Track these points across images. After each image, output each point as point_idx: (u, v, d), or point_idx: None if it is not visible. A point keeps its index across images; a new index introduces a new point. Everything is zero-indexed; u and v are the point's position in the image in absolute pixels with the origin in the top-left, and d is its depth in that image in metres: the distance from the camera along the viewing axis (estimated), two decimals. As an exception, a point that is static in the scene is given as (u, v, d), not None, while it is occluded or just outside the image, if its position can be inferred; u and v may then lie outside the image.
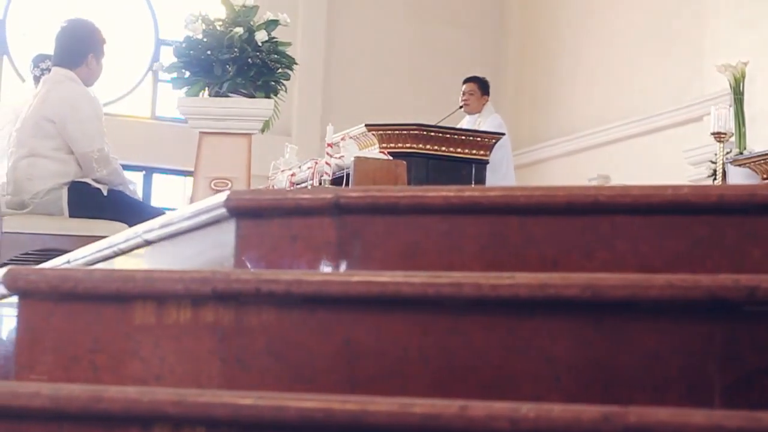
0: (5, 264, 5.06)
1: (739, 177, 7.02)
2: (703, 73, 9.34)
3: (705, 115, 8.82)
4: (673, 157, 9.38)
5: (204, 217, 2.17)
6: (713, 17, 9.33)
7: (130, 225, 4.78)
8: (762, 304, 1.65)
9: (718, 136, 6.80)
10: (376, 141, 6.73)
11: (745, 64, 7.72)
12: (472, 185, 6.87)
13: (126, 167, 5.21)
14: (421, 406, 1.46)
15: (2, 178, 5.20)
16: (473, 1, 12.43)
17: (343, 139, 5.96)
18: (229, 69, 4.91)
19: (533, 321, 1.73)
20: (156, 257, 2.43)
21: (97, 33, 5.24)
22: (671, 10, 10.18)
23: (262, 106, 5.01)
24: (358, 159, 5.22)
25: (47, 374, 1.88)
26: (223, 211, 2.10)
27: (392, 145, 6.68)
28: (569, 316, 1.72)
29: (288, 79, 5.15)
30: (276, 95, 5.06)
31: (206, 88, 5.08)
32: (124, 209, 5.02)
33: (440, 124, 7.27)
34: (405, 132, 6.83)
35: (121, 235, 2.54)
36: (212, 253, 2.20)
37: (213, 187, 4.87)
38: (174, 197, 11.45)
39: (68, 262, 2.82)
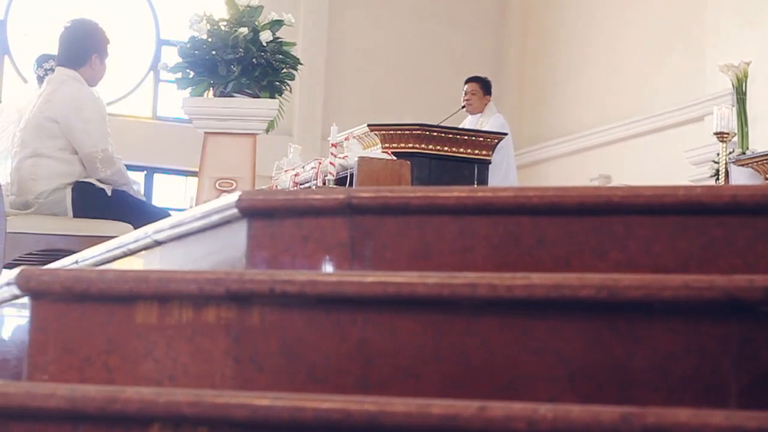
0: (9, 264, 5.06)
1: (741, 177, 7.02)
2: (705, 73, 9.34)
3: (706, 115, 8.83)
4: (674, 157, 9.38)
5: (215, 218, 2.17)
6: (715, 17, 9.33)
7: (135, 225, 4.78)
8: (777, 304, 1.65)
9: (721, 136, 6.79)
10: (378, 141, 6.73)
11: (748, 64, 7.72)
12: (475, 185, 6.87)
13: (127, 167, 5.20)
14: (439, 406, 1.46)
15: (6, 179, 5.19)
16: (475, 1, 12.43)
17: (346, 138, 5.96)
18: (234, 69, 4.91)
19: (548, 321, 1.73)
20: (166, 258, 2.42)
21: (101, 33, 5.23)
22: (673, 10, 10.18)
23: (266, 106, 5.01)
24: (362, 159, 5.21)
25: (60, 375, 1.88)
26: (234, 211, 2.10)
27: (394, 145, 6.68)
28: (584, 317, 1.72)
29: (293, 79, 5.15)
30: (281, 95, 5.06)
31: (211, 89, 5.08)
32: (128, 209, 5.01)
33: (442, 124, 7.27)
34: (407, 132, 6.83)
35: (131, 235, 2.53)
36: (223, 254, 2.20)
37: (218, 187, 4.87)
38: (175, 197, 11.44)
39: (77, 262, 2.82)
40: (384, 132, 6.76)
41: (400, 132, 6.81)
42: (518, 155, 9.76)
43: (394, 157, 5.56)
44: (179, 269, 2.16)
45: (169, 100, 11.59)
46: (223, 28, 5.02)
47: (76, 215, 5.01)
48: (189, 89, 5.12)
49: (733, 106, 7.46)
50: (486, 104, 8.23)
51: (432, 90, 11.65)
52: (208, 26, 4.96)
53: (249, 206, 2.09)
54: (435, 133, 6.90)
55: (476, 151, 7.02)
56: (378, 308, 1.79)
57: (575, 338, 1.72)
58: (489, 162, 7.05)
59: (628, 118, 10.45)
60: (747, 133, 7.55)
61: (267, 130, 5.18)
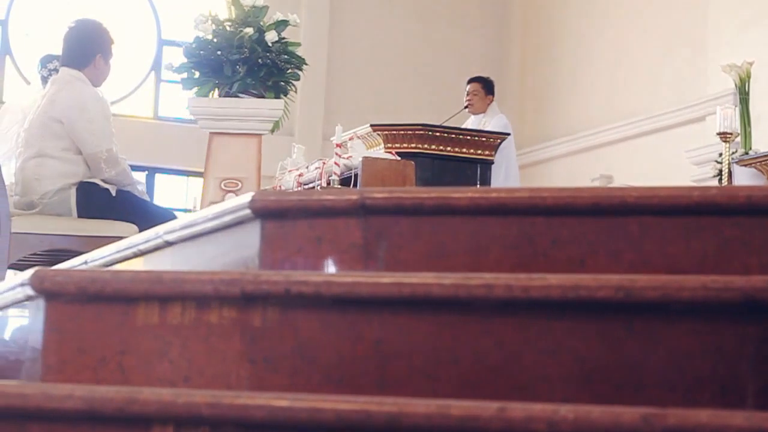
0: (13, 265, 5.06)
1: (744, 177, 7.03)
2: (707, 73, 9.35)
3: (708, 115, 8.84)
4: (676, 157, 9.39)
5: (228, 218, 2.17)
6: (716, 17, 9.34)
7: (139, 225, 4.78)
8: (795, 305, 1.65)
9: (724, 136, 6.80)
10: (381, 141, 6.74)
11: (751, 64, 7.73)
12: (477, 185, 6.88)
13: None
14: (459, 407, 1.46)
15: (10, 179, 5.19)
16: (477, 1, 12.43)
17: (351, 139, 5.96)
18: (239, 69, 4.91)
19: (564, 322, 1.73)
20: (177, 259, 2.42)
21: (106, 33, 5.23)
22: (674, 11, 10.19)
23: (272, 106, 5.01)
24: (366, 159, 5.22)
25: (75, 376, 1.87)
26: (247, 212, 2.10)
27: (397, 145, 6.69)
28: (601, 318, 1.72)
29: (298, 80, 5.16)
30: (286, 96, 5.06)
31: (216, 89, 5.08)
32: (133, 210, 5.01)
33: (445, 125, 7.27)
34: (410, 132, 6.84)
35: (141, 236, 2.53)
36: (235, 255, 2.20)
37: (223, 187, 4.87)
38: (177, 197, 11.44)
39: (86, 263, 2.81)
40: (387, 132, 6.77)
41: (402, 132, 6.81)
42: (520, 155, 9.76)
43: (399, 158, 5.57)
44: (192, 270, 2.16)
45: (171, 100, 11.59)
46: (228, 28, 5.02)
47: (80, 215, 5.00)
48: (194, 89, 5.12)
49: (735, 106, 7.46)
50: (488, 104, 8.22)
51: (433, 90, 11.66)
52: (214, 26, 4.96)
53: (262, 207, 2.08)
54: (437, 133, 6.91)
55: (479, 151, 7.03)
56: (394, 309, 1.79)
57: (591, 339, 1.72)
58: (492, 162, 7.06)
59: (629, 118, 10.46)
60: (750, 133, 7.55)
61: (272, 131, 5.18)
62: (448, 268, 1.98)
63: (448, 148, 6.94)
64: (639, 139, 10.40)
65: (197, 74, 5.06)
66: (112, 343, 1.89)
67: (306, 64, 5.20)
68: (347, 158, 5.32)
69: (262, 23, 4.99)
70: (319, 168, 5.53)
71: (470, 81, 8.37)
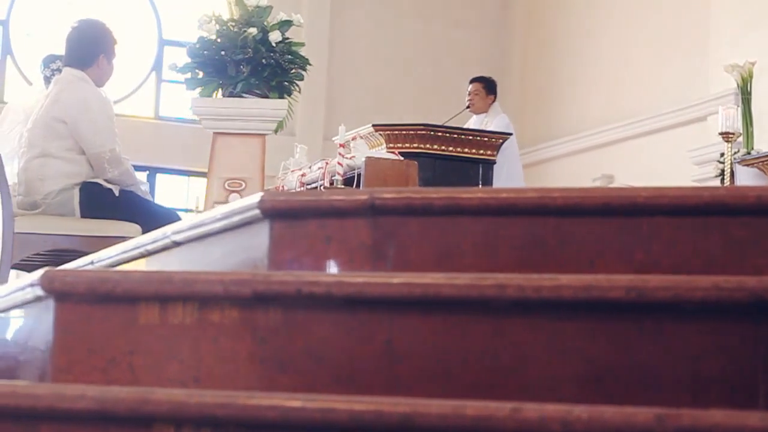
0: (17, 265, 5.06)
1: (747, 177, 7.03)
2: (708, 73, 9.35)
3: (709, 114, 8.84)
4: (677, 157, 9.39)
5: (236, 219, 2.17)
6: (717, 17, 9.34)
7: (142, 225, 4.79)
8: (806, 305, 1.65)
9: (726, 136, 6.80)
10: (383, 141, 6.74)
11: (753, 64, 7.73)
12: (480, 185, 6.88)
13: (129, 167, 5.21)
14: (473, 407, 1.46)
15: (14, 179, 5.19)
16: (477, 1, 12.43)
17: (353, 138, 5.96)
18: (243, 69, 4.91)
19: (575, 322, 1.73)
20: (185, 259, 2.42)
21: (109, 34, 5.23)
22: (676, 10, 10.19)
23: (276, 106, 5.02)
24: (369, 159, 5.22)
25: (85, 376, 1.87)
26: (256, 212, 2.09)
27: (399, 145, 6.69)
28: (612, 318, 1.72)
29: (302, 80, 5.16)
30: (290, 96, 5.06)
31: (220, 89, 5.07)
32: (136, 210, 5.01)
33: (447, 125, 7.27)
34: (412, 132, 6.84)
35: (149, 236, 2.53)
36: (244, 255, 2.20)
37: (227, 187, 4.87)
38: (178, 197, 11.44)
39: (92, 263, 2.81)
40: (389, 132, 6.77)
41: (404, 132, 6.82)
42: (521, 154, 9.75)
43: (401, 158, 5.57)
44: (202, 270, 2.16)
45: (172, 100, 11.59)
46: (232, 28, 5.02)
47: (83, 216, 5.01)
48: (198, 89, 5.12)
49: (737, 106, 7.46)
50: (490, 104, 8.21)
51: (434, 90, 11.66)
52: (217, 27, 4.96)
53: (271, 207, 2.08)
54: (439, 133, 6.91)
55: (481, 151, 7.02)
56: (405, 309, 1.78)
57: (603, 339, 1.72)
58: (494, 162, 7.05)
59: (630, 118, 10.46)
60: (752, 133, 7.55)
61: (276, 131, 5.18)
62: (457, 269, 1.98)
63: (450, 148, 6.94)
64: (640, 138, 10.40)
65: (201, 74, 5.06)
66: (121, 343, 1.88)
67: (310, 64, 5.20)
68: (350, 158, 5.32)
69: (265, 23, 4.99)
70: (322, 168, 5.53)
71: (472, 81, 8.37)
